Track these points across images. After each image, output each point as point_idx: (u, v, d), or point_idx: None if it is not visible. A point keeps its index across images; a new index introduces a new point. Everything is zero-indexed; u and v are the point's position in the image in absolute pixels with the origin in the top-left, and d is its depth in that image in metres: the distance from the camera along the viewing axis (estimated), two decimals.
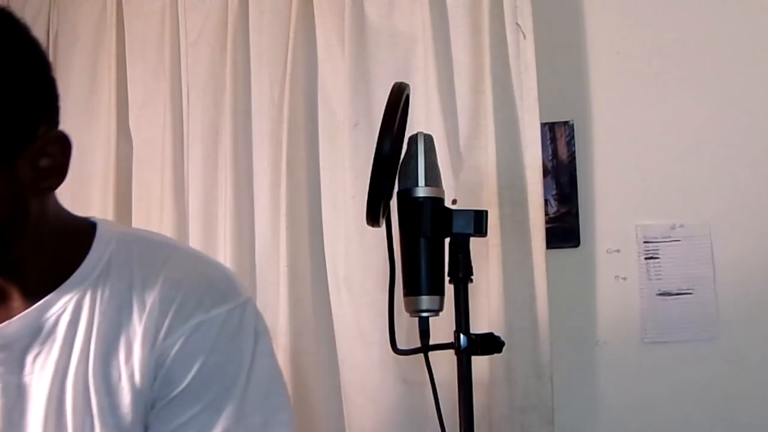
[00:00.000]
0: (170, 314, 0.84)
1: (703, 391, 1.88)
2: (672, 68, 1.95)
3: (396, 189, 1.21)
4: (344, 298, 1.92)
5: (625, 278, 1.94)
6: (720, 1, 1.95)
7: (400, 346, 1.22)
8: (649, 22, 1.97)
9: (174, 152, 2.06)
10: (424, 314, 1.17)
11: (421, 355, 1.19)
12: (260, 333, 0.89)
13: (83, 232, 0.89)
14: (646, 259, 1.93)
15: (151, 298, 0.85)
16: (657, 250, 1.92)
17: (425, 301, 1.16)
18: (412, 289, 1.17)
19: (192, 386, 0.84)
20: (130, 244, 0.89)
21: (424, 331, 1.18)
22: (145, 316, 0.84)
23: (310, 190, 1.99)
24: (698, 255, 1.90)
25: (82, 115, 2.17)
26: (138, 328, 0.84)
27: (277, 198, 1.97)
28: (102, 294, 0.85)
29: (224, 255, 1.98)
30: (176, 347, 0.84)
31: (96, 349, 0.84)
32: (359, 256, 1.90)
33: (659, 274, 1.92)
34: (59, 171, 0.82)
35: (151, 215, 2.08)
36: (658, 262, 1.92)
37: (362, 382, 1.90)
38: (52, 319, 0.84)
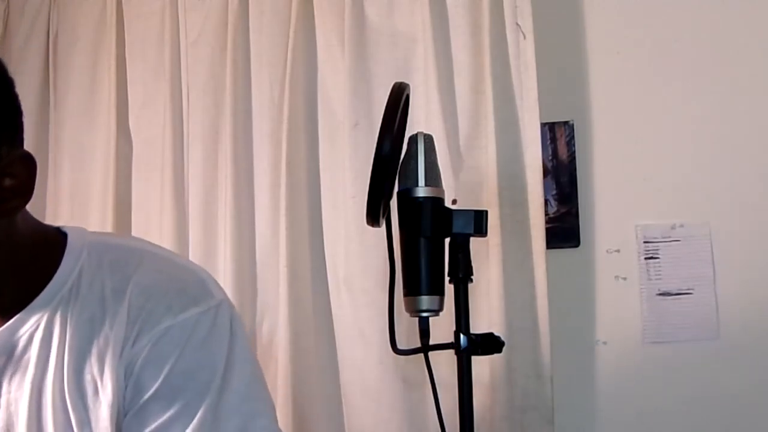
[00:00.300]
0: (139, 322, 0.82)
1: (703, 391, 1.88)
2: (672, 68, 1.95)
3: (396, 189, 1.21)
4: (344, 298, 1.92)
5: (625, 278, 1.94)
6: (720, 1, 1.95)
7: (400, 346, 1.22)
8: (649, 22, 1.97)
9: (174, 152, 2.06)
10: (424, 314, 1.17)
11: (421, 355, 1.19)
12: (236, 335, 0.86)
13: (54, 244, 0.86)
14: (646, 259, 1.93)
15: (121, 308, 0.83)
16: (657, 250, 1.92)
17: (425, 301, 1.16)
18: (412, 289, 1.17)
19: (161, 392, 0.81)
20: (101, 253, 0.87)
21: (424, 331, 1.17)
22: (115, 326, 0.82)
23: (310, 190, 1.99)
24: (698, 255, 1.90)
25: (82, 115, 2.17)
26: (110, 338, 0.82)
27: (277, 198, 1.97)
28: (74, 308, 0.84)
29: (224, 255, 1.98)
30: (144, 353, 0.81)
31: (69, 364, 0.83)
32: (359, 256, 1.90)
33: (659, 274, 1.92)
34: (24, 191, 0.80)
35: (151, 216, 2.08)
36: (658, 262, 1.92)
37: (362, 382, 1.90)
38: (25, 337, 0.83)
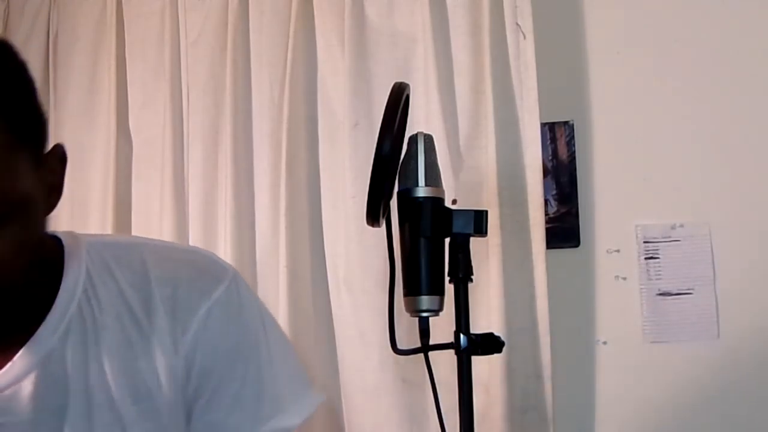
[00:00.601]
0: (178, 311, 0.85)
1: (703, 391, 1.88)
2: (672, 68, 1.95)
3: (396, 189, 1.21)
4: (344, 298, 1.92)
5: (625, 278, 1.94)
6: (720, 1, 1.95)
7: (400, 346, 1.22)
8: (649, 22, 1.97)
9: (174, 152, 2.06)
10: (424, 314, 1.17)
11: (421, 355, 1.19)
12: (256, 298, 0.93)
13: (52, 248, 0.86)
14: (646, 259, 1.93)
15: (151, 302, 0.84)
16: (657, 250, 1.92)
17: (425, 301, 1.16)
18: (412, 289, 1.17)
19: (226, 368, 0.87)
20: (100, 251, 0.87)
21: (424, 331, 1.17)
22: (154, 321, 0.84)
23: (310, 190, 1.99)
24: (698, 255, 1.90)
25: (82, 115, 2.17)
26: (151, 333, 0.84)
27: (277, 198, 1.97)
28: (96, 308, 0.83)
29: (224, 255, 1.97)
30: (198, 340, 0.85)
31: (112, 364, 0.83)
32: (359, 256, 1.90)
33: (659, 274, 1.92)
34: (60, 187, 0.81)
35: (151, 216, 2.08)
36: (658, 262, 1.92)
37: (362, 382, 1.90)
38: (55, 347, 0.81)
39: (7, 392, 0.79)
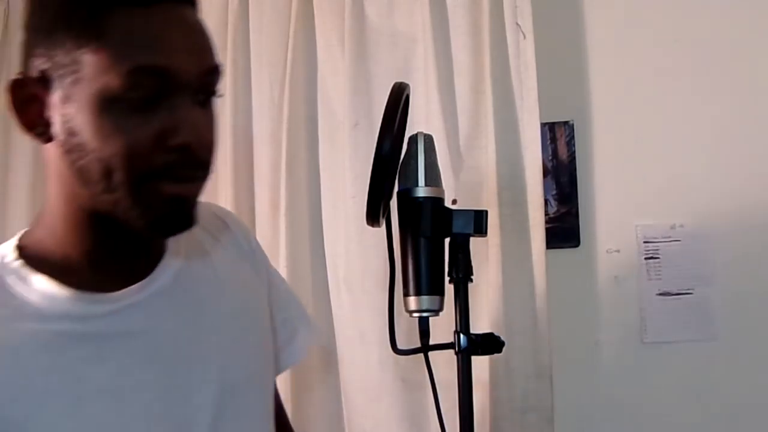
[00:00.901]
0: (238, 232, 1.02)
1: (703, 391, 1.89)
2: (672, 68, 1.95)
3: (396, 189, 1.21)
4: (344, 298, 1.92)
5: (625, 278, 1.94)
6: (720, 1, 1.95)
7: (400, 346, 1.22)
8: (649, 22, 1.97)
9: None
10: (424, 314, 1.17)
11: (421, 355, 1.19)
12: None
13: None
14: (646, 259, 1.93)
15: (226, 234, 0.99)
16: (657, 250, 1.92)
17: (425, 301, 1.16)
18: (412, 289, 1.17)
19: (279, 281, 1.10)
20: None
21: (424, 331, 1.17)
22: (238, 246, 1.00)
23: (310, 190, 1.99)
24: (698, 255, 1.90)
25: None
26: (241, 258, 0.99)
27: (277, 198, 1.97)
28: (192, 239, 0.93)
29: None
30: (261, 257, 1.04)
31: (227, 280, 0.95)
32: (359, 256, 1.90)
33: (659, 274, 1.92)
34: None
35: None
36: (658, 262, 1.92)
37: (362, 382, 1.90)
38: (182, 260, 0.90)
39: (148, 302, 0.86)
